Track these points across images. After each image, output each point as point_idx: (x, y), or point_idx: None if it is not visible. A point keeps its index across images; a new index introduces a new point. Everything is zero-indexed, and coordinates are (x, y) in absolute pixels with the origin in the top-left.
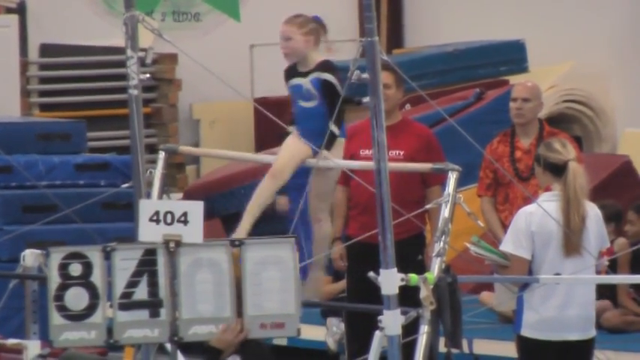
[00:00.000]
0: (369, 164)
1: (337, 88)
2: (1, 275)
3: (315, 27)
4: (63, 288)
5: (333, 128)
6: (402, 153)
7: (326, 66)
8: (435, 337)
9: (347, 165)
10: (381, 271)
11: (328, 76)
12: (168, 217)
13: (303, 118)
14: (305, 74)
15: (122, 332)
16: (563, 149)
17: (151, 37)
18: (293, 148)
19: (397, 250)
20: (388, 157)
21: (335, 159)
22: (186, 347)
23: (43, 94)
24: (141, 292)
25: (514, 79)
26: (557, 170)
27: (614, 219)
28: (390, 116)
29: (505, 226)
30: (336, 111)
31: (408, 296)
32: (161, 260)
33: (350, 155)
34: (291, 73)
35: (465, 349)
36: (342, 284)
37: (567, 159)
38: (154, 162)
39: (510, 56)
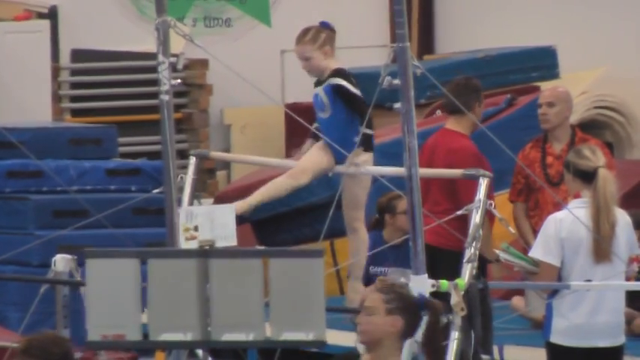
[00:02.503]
0: (401, 170)
1: (349, 89)
2: (33, 280)
3: (327, 34)
4: None
5: (365, 130)
6: None
7: (337, 73)
8: (466, 344)
9: (377, 172)
10: (412, 277)
11: (338, 80)
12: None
13: (324, 130)
14: (322, 82)
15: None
16: (593, 156)
17: (182, 43)
18: (318, 154)
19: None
20: None
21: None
22: (217, 353)
23: (75, 99)
24: (174, 297)
25: (545, 85)
26: (587, 177)
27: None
28: None
29: (535, 232)
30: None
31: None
32: (194, 265)
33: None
34: (316, 82)
35: (496, 355)
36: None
37: (597, 166)
38: (184, 167)
39: (541, 62)
